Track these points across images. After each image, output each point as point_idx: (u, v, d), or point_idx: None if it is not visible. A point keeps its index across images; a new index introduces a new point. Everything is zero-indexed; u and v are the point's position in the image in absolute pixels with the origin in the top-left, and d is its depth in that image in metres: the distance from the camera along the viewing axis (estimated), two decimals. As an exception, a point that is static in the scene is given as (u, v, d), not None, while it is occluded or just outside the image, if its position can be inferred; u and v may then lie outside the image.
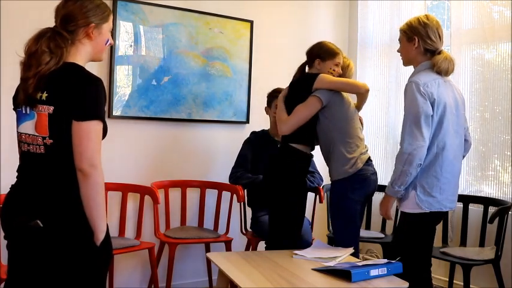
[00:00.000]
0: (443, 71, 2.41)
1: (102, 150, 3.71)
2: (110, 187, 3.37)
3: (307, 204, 3.12)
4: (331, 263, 2.28)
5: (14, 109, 1.82)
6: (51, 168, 1.70)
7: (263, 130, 3.59)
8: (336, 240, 2.82)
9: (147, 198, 3.40)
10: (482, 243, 3.23)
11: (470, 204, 3.36)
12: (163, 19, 3.56)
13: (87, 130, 1.65)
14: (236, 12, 3.85)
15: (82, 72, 1.74)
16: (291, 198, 2.85)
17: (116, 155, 3.45)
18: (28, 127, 1.72)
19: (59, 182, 1.70)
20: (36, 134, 1.70)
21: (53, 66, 1.69)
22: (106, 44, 1.87)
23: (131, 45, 3.46)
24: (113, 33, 3.35)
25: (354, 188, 2.74)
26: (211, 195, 3.67)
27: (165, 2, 3.55)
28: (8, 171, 3.01)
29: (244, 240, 3.57)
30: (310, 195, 3.24)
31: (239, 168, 3.48)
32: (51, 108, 1.67)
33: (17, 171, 1.81)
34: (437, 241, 3.39)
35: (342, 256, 2.44)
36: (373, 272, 2.13)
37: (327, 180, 3.63)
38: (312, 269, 2.23)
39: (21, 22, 3.06)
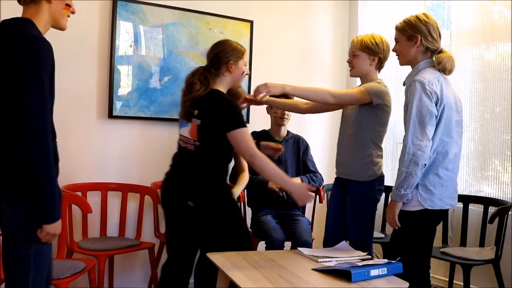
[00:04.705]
0: (448, 70, 2.39)
1: (101, 150, 3.71)
2: (110, 187, 3.37)
3: (307, 204, 3.11)
4: (331, 263, 2.28)
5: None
6: (197, 161, 2.43)
7: (263, 130, 3.58)
8: (352, 241, 2.74)
9: (147, 198, 3.40)
10: (482, 243, 3.23)
11: (470, 204, 3.36)
12: (163, 19, 3.56)
13: (237, 136, 2.34)
14: (236, 12, 3.84)
15: (221, 96, 2.45)
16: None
17: (116, 155, 3.45)
18: (185, 131, 2.48)
19: (202, 172, 2.43)
20: (189, 137, 2.45)
21: (202, 93, 2.41)
22: (242, 75, 2.54)
23: (131, 45, 3.46)
24: (112, 33, 3.36)
25: (380, 190, 2.76)
26: (211, 195, 3.67)
27: (165, 2, 3.55)
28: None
29: (244, 240, 3.56)
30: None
31: (239, 168, 3.47)
32: (199, 121, 2.40)
33: (172, 158, 2.56)
34: (437, 241, 3.39)
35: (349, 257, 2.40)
36: (373, 272, 2.12)
37: (327, 181, 3.63)
38: (312, 269, 2.23)
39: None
